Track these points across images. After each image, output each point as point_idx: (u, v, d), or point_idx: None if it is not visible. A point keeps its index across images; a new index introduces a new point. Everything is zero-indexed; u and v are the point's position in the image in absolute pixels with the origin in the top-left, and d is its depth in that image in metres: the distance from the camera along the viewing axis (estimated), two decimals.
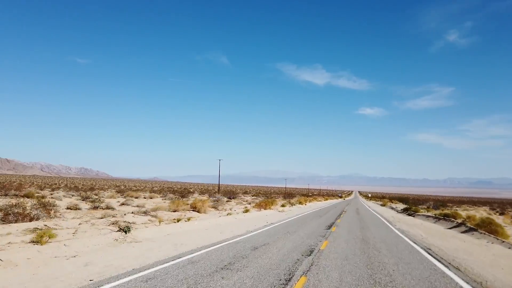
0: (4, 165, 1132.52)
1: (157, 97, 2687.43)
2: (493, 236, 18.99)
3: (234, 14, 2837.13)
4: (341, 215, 35.98)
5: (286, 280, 8.77)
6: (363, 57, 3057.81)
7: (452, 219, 28.19)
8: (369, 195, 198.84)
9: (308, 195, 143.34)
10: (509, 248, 15.85)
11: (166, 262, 10.45)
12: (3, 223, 15.48)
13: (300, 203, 57.70)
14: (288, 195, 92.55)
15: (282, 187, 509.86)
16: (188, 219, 20.21)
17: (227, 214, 26.76)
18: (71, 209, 23.05)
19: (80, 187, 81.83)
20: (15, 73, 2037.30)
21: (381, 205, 75.26)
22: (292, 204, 52.38)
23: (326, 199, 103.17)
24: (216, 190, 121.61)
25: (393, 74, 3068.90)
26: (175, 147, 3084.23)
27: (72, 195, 39.65)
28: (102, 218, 18.84)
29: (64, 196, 37.34)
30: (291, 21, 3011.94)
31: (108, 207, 24.97)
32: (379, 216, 38.63)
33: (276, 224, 22.66)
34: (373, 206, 67.32)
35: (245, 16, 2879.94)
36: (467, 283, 9.47)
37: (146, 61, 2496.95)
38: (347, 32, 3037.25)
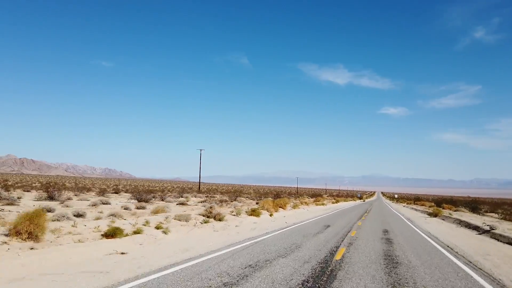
0: (29, 166, 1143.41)
1: (177, 99, 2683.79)
2: None
3: (254, 15, 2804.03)
4: None
5: None
6: (385, 56, 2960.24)
7: None
8: (396, 196, 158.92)
9: (319, 195, 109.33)
10: None
11: None
12: None
13: (253, 212, 24.36)
14: (277, 195, 59.31)
15: (301, 187, 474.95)
16: None
17: None
18: None
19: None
20: (43, 76, 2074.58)
21: (430, 214, 39.25)
22: (209, 218, 18.55)
23: (337, 202, 68.84)
24: (186, 189, 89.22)
25: (417, 73, 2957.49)
26: (197, 148, 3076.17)
27: None
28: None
29: None
30: (312, 21, 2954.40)
31: None
32: None
33: None
34: (419, 220, 32.01)
35: (266, 16, 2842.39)
36: None
37: (166, 63, 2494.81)
38: (369, 31, 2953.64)
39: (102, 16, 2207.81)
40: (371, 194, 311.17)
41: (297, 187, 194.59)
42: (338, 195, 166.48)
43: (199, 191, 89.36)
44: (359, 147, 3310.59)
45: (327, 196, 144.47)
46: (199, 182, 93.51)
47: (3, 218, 13.49)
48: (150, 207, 26.27)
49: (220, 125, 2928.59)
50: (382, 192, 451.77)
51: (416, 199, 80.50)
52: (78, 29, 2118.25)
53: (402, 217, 34.82)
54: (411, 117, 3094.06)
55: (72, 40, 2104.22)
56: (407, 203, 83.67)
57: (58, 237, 11.19)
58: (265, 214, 26.75)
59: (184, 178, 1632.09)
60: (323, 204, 50.55)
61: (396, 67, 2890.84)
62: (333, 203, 61.84)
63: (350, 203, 76.35)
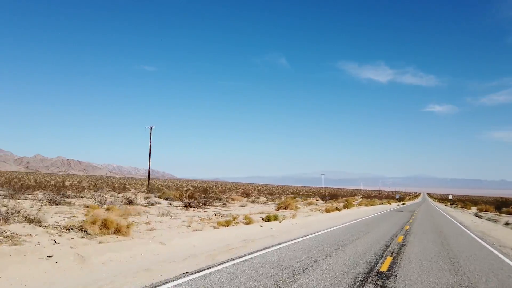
0: (76, 166, 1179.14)
1: (217, 100, 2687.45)
2: None
3: (293, 15, 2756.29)
4: None
5: None
6: (430, 51, 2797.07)
7: None
8: (450, 198, 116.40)
9: (350, 195, 74.74)
10: None
11: None
12: None
13: None
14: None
15: (340, 188, 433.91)
16: None
17: None
18: None
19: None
20: (89, 82, 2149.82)
21: None
22: None
23: (346, 206, 34.43)
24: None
25: (465, 68, 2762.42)
26: (236, 149, 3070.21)
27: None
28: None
29: None
30: (351, 18, 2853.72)
31: None
32: None
33: None
34: None
35: (305, 16, 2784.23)
36: None
37: (206, 66, 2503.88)
38: (412, 26, 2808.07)
39: (143, 23, 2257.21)
40: (416, 195, 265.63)
41: (323, 187, 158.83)
42: (376, 197, 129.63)
43: (148, 187, 58.51)
44: (403, 147, 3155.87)
45: (360, 197, 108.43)
46: (148, 175, 62.30)
47: None
48: None
49: (260, 125, 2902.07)
50: (428, 193, 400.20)
51: (500, 204, 42.63)
52: (122, 34, 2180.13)
53: None
54: (459, 115, 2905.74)
55: (117, 46, 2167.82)
56: (480, 209, 46.65)
57: None
58: None
59: (223, 178, 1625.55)
60: (277, 219, 16.98)
61: (442, 62, 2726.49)
62: (327, 211, 27.67)
63: (375, 210, 41.40)
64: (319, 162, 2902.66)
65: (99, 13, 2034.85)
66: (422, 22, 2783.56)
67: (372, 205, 52.30)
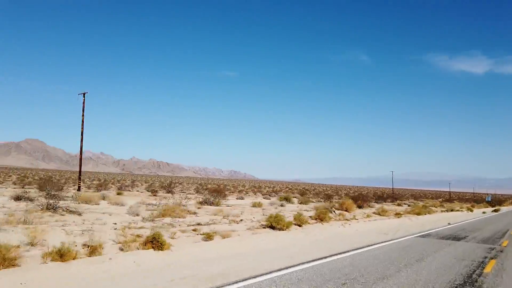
0: (164, 168, 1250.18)
1: (295, 101, 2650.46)
2: None
3: (375, 8, 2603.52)
4: None
5: None
6: None
7: None
8: None
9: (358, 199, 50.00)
10: None
11: None
12: None
13: None
14: None
15: (433, 190, 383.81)
16: None
17: None
18: None
19: None
20: (181, 89, 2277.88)
21: None
22: None
23: (298, 222, 12.62)
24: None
25: None
26: (321, 150, 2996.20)
27: None
28: None
29: None
30: (440, 5, 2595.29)
31: None
32: None
33: None
34: None
35: (388, 7, 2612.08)
36: None
37: (285, 67, 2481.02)
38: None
39: (224, 31, 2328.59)
40: None
41: (392, 188, 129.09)
42: (468, 200, 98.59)
43: (79, 185, 41.26)
44: (505, 144, 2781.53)
45: (440, 201, 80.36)
46: (80, 161, 44.76)
47: None
48: None
49: (346, 125, 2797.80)
50: None
51: None
52: (205, 42, 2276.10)
53: None
54: None
55: (199, 52, 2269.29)
56: None
57: None
58: None
59: (303, 179, 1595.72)
60: None
61: None
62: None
63: (394, 233, 17.95)
64: (407, 163, 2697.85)
65: (182, 22, 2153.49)
66: None
67: (419, 214, 27.75)
